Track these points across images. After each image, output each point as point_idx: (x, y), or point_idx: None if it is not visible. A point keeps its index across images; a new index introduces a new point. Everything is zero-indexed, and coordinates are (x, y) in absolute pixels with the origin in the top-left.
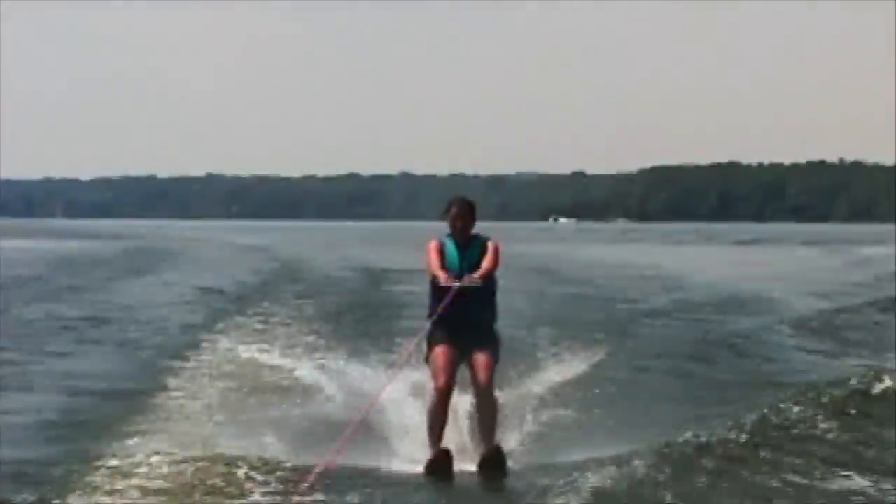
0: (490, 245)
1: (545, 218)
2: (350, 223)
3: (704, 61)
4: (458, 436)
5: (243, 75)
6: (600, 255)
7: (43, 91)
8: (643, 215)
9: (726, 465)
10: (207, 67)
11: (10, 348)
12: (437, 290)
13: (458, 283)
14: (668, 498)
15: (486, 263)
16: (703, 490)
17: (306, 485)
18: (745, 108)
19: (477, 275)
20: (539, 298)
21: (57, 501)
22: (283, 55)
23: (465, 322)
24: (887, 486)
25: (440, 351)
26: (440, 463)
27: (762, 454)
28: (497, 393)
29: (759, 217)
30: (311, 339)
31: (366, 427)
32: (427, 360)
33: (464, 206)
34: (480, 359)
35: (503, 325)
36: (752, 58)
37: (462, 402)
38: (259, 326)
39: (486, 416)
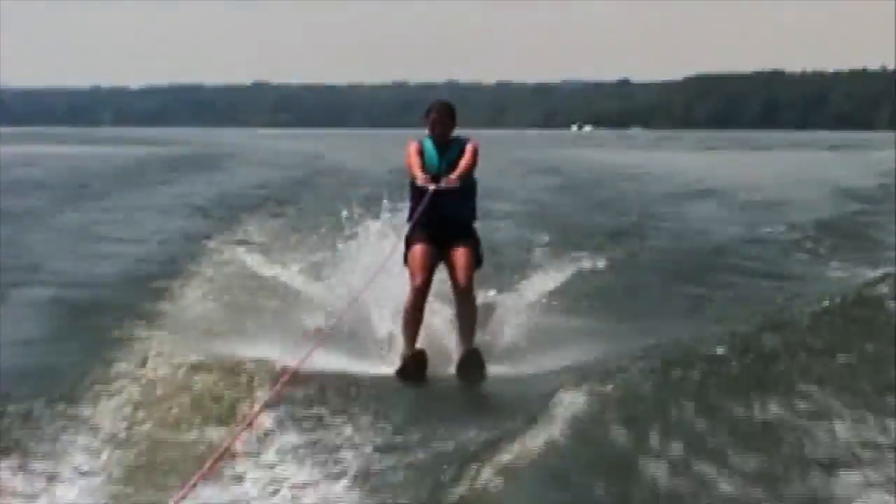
0: (469, 146)
1: (579, 126)
2: (396, 131)
3: None
4: (437, 339)
5: None
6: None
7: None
8: (687, 123)
9: (717, 380)
10: None
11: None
12: (416, 192)
13: (433, 186)
14: (648, 414)
15: (463, 163)
16: (693, 406)
17: (271, 393)
18: (789, 16)
19: (454, 176)
20: (536, 200)
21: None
22: None
23: (443, 221)
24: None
25: (417, 249)
26: (414, 364)
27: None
28: (481, 296)
29: (802, 125)
30: (306, 242)
31: (342, 331)
32: (406, 260)
33: (443, 110)
34: (459, 257)
35: (495, 227)
36: None
37: (441, 305)
38: (262, 232)
39: (466, 317)
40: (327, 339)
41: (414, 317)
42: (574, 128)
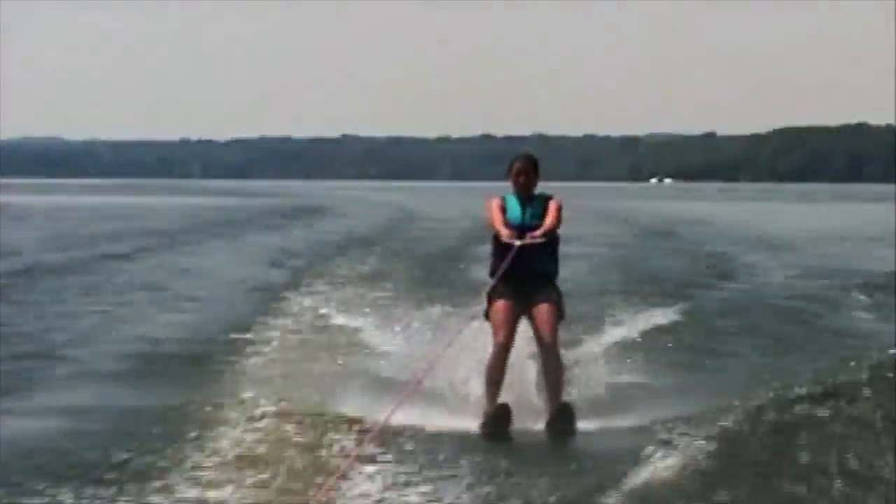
0: (553, 203)
1: (659, 179)
2: (484, 184)
3: (834, 21)
4: (521, 394)
5: (378, 37)
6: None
7: (180, 54)
8: (773, 176)
9: (803, 429)
10: (342, 31)
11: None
12: (499, 247)
13: (518, 242)
14: (745, 471)
15: (548, 220)
16: (785, 460)
17: (357, 450)
18: (873, 69)
19: (538, 233)
20: (609, 250)
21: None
22: (417, 18)
23: (526, 276)
24: None
25: (500, 305)
26: (498, 419)
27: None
28: (562, 351)
29: (887, 178)
30: (386, 296)
31: (425, 386)
32: (487, 316)
33: (527, 162)
34: (543, 313)
35: (572, 275)
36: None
37: (523, 358)
38: (338, 284)
39: (553, 373)
40: (412, 395)
41: (497, 373)
42: (654, 181)
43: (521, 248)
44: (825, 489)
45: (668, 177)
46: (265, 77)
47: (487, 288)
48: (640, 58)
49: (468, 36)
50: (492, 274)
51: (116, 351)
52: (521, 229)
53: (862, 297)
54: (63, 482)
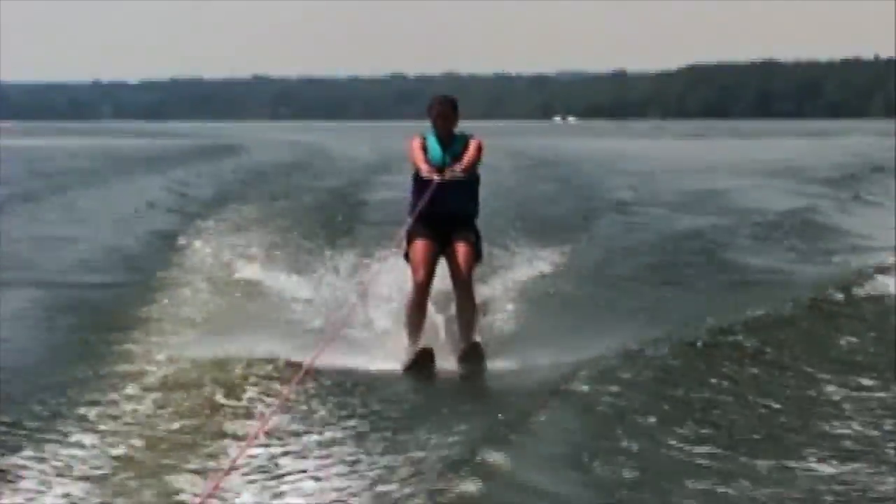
0: (473, 142)
1: (562, 117)
2: (396, 123)
3: None
4: (435, 333)
5: None
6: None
7: None
8: (682, 113)
9: (711, 369)
10: None
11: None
12: (419, 184)
13: (437, 177)
14: (646, 408)
15: (467, 157)
16: (686, 396)
17: (285, 395)
18: (783, 5)
19: (458, 168)
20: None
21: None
22: None
23: (445, 216)
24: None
25: (419, 245)
26: (422, 361)
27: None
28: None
29: (796, 114)
30: (298, 239)
31: (345, 328)
32: (407, 255)
33: (446, 104)
34: (460, 251)
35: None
36: None
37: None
38: (243, 227)
39: (465, 311)
40: (333, 339)
41: (417, 312)
42: (557, 119)
43: (441, 184)
44: (705, 421)
45: (572, 115)
46: (176, 17)
47: (406, 226)
48: None
49: None
50: (411, 212)
51: (11, 299)
52: (441, 169)
53: (756, 236)
54: None
